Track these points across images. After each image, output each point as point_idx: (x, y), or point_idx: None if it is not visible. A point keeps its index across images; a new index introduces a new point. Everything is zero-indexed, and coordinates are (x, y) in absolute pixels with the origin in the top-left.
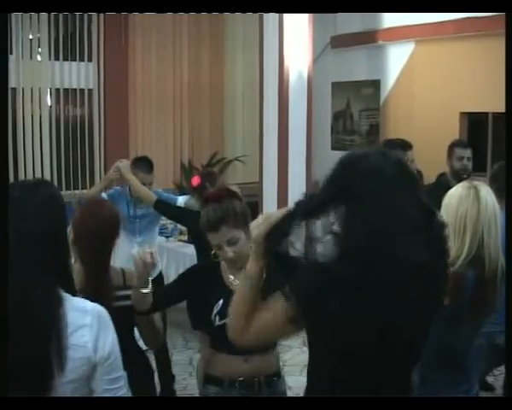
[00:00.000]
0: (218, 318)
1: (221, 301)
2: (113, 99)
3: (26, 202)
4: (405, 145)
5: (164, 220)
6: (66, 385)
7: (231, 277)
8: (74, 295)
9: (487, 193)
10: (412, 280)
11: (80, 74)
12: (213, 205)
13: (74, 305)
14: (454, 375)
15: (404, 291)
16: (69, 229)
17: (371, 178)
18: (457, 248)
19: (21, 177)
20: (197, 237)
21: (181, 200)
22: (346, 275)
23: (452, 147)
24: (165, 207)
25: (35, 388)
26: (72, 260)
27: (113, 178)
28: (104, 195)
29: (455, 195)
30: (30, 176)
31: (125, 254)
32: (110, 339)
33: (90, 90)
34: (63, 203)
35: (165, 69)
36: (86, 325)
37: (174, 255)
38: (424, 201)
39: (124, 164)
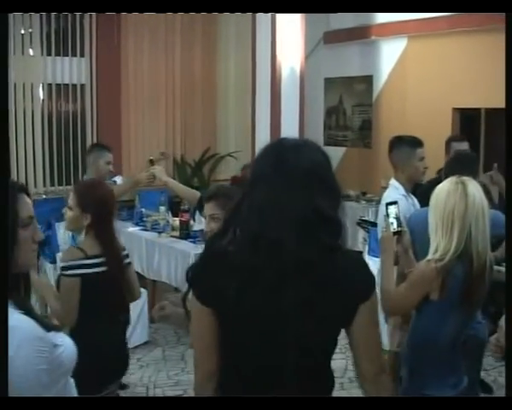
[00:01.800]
0: None
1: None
2: (105, 95)
3: None
4: (415, 143)
5: (156, 216)
6: None
7: None
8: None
9: (475, 188)
10: (299, 275)
11: (73, 70)
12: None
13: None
14: (442, 368)
15: (292, 286)
16: (72, 202)
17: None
18: (445, 243)
19: (13, 172)
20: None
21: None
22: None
23: (449, 142)
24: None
25: None
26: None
27: (145, 182)
28: None
29: (443, 190)
30: (22, 171)
31: None
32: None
33: (82, 86)
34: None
35: (158, 65)
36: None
37: (166, 251)
38: (322, 205)
39: (158, 169)
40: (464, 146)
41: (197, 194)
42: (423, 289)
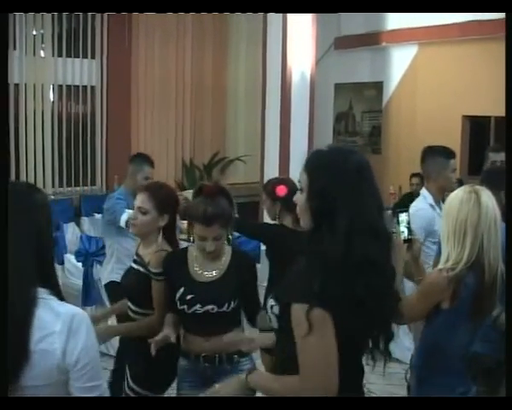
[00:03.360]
0: (179, 303)
1: (182, 289)
2: (115, 96)
3: (16, 203)
4: (449, 153)
5: None
6: (41, 389)
7: (197, 268)
8: (60, 296)
9: (488, 198)
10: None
11: (83, 71)
12: (209, 200)
13: (50, 308)
14: (451, 378)
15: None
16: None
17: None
18: (457, 253)
19: (23, 173)
20: (274, 249)
21: (125, 217)
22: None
23: (487, 152)
24: (244, 227)
25: None
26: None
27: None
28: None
29: (456, 198)
30: (32, 172)
31: None
32: (80, 345)
33: (92, 87)
34: (50, 209)
35: (168, 67)
36: (56, 332)
37: None
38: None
39: (188, 192)
40: (502, 157)
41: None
42: (434, 298)
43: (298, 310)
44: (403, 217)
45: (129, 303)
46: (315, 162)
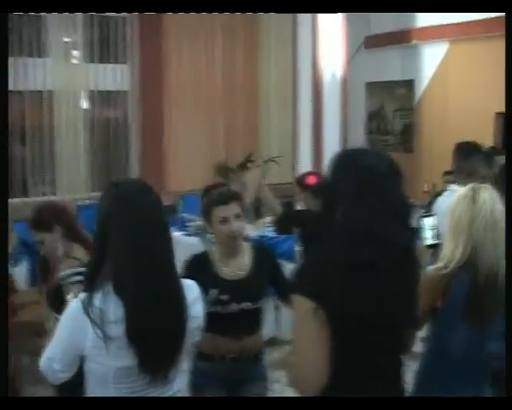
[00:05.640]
0: (210, 305)
1: (215, 291)
2: (147, 101)
3: (143, 198)
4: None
5: (200, 221)
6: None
7: (224, 268)
8: None
9: (489, 197)
10: (398, 258)
11: (115, 76)
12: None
13: (184, 284)
14: (451, 383)
15: (394, 267)
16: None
17: (365, 174)
18: (451, 251)
19: (60, 178)
20: (304, 234)
21: None
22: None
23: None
24: (281, 220)
25: (167, 355)
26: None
27: None
28: None
29: (454, 197)
30: (66, 177)
31: None
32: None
33: (124, 93)
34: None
35: (199, 70)
36: (197, 299)
37: (179, 245)
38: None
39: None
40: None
41: (279, 209)
42: (430, 295)
43: (292, 299)
44: (427, 221)
45: None
46: (330, 162)
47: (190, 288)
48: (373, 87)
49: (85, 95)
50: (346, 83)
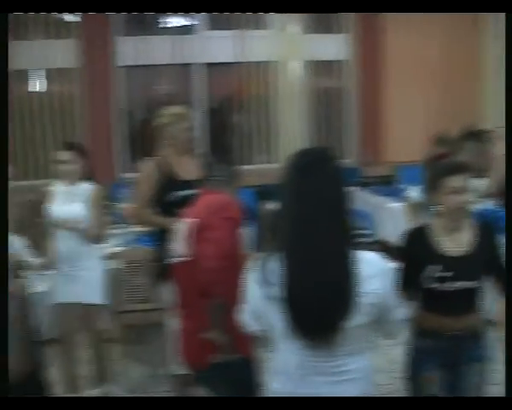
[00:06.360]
0: (427, 281)
1: (434, 267)
2: (365, 71)
3: (320, 168)
4: None
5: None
6: (355, 329)
7: (446, 243)
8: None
9: None
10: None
11: (332, 46)
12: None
13: (363, 258)
14: None
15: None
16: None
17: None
18: None
19: (276, 147)
20: None
21: None
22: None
23: None
24: None
25: (325, 323)
26: None
27: None
28: None
29: None
30: (284, 146)
31: None
32: (388, 284)
33: (340, 62)
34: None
35: (417, 40)
36: (378, 274)
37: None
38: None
39: None
40: None
41: None
42: None
43: None
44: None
45: None
46: None
47: (370, 262)
48: None
49: (303, 65)
50: None
